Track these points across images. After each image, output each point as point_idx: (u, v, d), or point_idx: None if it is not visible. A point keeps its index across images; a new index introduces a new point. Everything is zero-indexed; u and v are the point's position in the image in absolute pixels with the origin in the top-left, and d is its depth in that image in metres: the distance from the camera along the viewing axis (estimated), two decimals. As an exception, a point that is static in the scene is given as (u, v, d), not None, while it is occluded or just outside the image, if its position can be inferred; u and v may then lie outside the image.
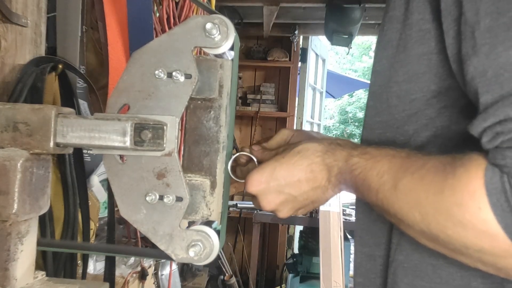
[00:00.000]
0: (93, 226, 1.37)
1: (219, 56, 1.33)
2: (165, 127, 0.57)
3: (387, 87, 0.63)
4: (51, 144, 0.58)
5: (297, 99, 4.12)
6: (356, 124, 15.05)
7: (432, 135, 0.59)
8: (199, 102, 0.61)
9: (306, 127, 4.31)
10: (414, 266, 0.60)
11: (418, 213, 0.50)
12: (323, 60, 4.86)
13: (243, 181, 0.71)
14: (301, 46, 4.06)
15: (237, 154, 0.73)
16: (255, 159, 0.73)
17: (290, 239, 4.17)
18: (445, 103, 0.58)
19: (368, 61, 15.47)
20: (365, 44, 16.08)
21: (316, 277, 2.82)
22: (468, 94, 0.51)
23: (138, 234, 1.89)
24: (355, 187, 0.59)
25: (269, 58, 3.95)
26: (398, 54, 0.61)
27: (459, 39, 0.51)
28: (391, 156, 0.55)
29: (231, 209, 3.36)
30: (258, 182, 0.64)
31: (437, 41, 0.56)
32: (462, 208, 0.46)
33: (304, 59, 4.11)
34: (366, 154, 0.58)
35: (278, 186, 0.64)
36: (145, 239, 1.89)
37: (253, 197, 0.68)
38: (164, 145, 0.58)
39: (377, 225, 0.66)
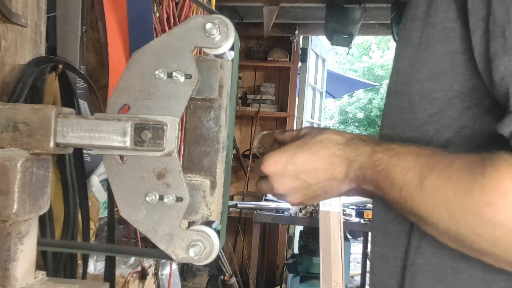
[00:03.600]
0: (93, 226, 1.37)
1: (219, 56, 1.33)
2: (165, 127, 0.57)
3: (409, 86, 0.62)
4: (51, 144, 0.58)
5: (297, 99, 4.12)
6: (356, 124, 15.04)
7: (454, 136, 0.58)
8: (199, 102, 0.61)
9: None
10: (434, 269, 0.60)
11: (446, 212, 0.50)
12: (323, 60, 4.86)
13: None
14: (301, 46, 4.06)
15: (265, 132, 0.73)
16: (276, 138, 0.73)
17: (290, 239, 4.17)
18: (468, 103, 0.57)
19: (368, 61, 15.46)
20: (365, 44, 16.07)
21: (316, 277, 2.82)
22: (496, 94, 0.51)
23: (138, 234, 1.89)
24: (376, 183, 0.58)
25: (269, 58, 3.96)
26: (420, 52, 0.61)
27: (487, 38, 0.50)
28: (416, 154, 0.55)
29: (231, 209, 3.36)
30: (276, 163, 0.64)
31: (461, 40, 0.56)
32: (493, 208, 0.45)
33: (304, 59, 4.11)
34: (390, 151, 0.57)
35: (296, 171, 0.63)
36: (145, 239, 1.90)
37: (262, 180, 0.67)
38: (164, 145, 0.58)
39: (393, 226, 0.66)
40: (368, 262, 3.78)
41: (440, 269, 0.59)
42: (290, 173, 0.64)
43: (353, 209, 3.38)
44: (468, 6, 0.53)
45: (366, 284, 3.91)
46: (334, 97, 10.17)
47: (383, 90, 14.66)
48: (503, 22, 0.48)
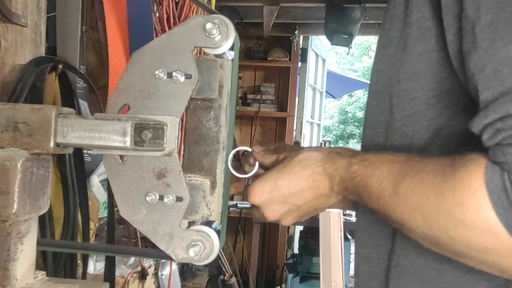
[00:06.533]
0: (93, 226, 1.37)
1: (219, 56, 1.33)
2: (165, 127, 0.57)
3: (388, 86, 0.63)
4: (51, 144, 0.58)
5: (297, 99, 4.12)
6: (356, 124, 15.04)
7: (434, 136, 0.59)
8: (199, 102, 0.61)
9: (306, 127, 4.31)
10: (419, 271, 0.60)
11: (420, 216, 0.50)
12: (323, 60, 4.86)
13: (244, 176, 0.71)
14: (301, 46, 4.05)
15: (237, 149, 0.73)
16: (256, 159, 0.73)
17: (290, 239, 4.17)
18: (446, 103, 0.57)
19: (368, 61, 15.47)
20: (365, 44, 16.07)
21: (316, 277, 2.82)
22: (470, 91, 0.51)
23: (138, 234, 1.89)
24: (357, 195, 0.59)
25: (269, 58, 3.95)
26: (398, 52, 0.61)
27: (460, 35, 0.50)
28: (389, 162, 0.55)
29: (231, 209, 3.36)
30: (261, 192, 0.64)
31: (437, 39, 0.56)
32: (464, 208, 0.46)
33: (304, 59, 4.11)
34: (365, 161, 0.58)
35: (282, 196, 0.63)
36: (145, 239, 1.89)
37: (254, 208, 0.67)
38: (164, 145, 0.58)
39: (377, 228, 0.66)
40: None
41: (425, 271, 0.60)
42: (277, 199, 0.64)
43: (353, 209, 3.37)
44: (442, 4, 0.53)
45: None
46: (334, 97, 10.17)
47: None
48: (473, 19, 0.48)
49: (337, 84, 7.63)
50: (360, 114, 14.78)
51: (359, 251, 0.69)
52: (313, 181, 0.62)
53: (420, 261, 0.60)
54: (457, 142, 0.57)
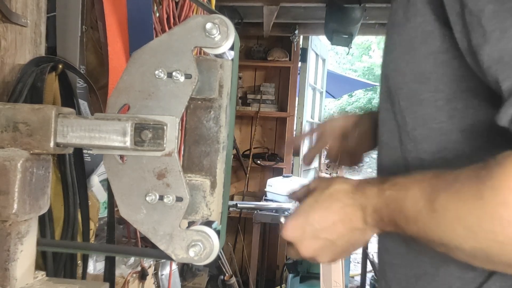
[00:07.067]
0: (93, 226, 1.37)
1: (219, 56, 1.33)
2: (165, 127, 0.57)
3: (397, 89, 0.62)
4: (51, 144, 0.58)
5: (297, 99, 4.12)
6: (356, 124, 15.01)
7: (445, 140, 0.58)
8: (199, 102, 0.61)
9: (306, 127, 4.31)
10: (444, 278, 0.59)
11: (462, 228, 0.47)
12: (323, 60, 4.86)
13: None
14: (301, 46, 4.05)
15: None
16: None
17: (290, 239, 4.17)
18: (455, 104, 0.57)
19: (368, 61, 15.46)
20: (365, 44, 16.06)
21: (316, 277, 2.82)
22: (490, 84, 0.49)
23: (138, 234, 1.89)
24: (394, 223, 0.56)
25: (269, 58, 3.95)
26: (404, 55, 0.61)
27: (467, 31, 0.50)
28: (419, 181, 0.53)
29: (231, 209, 3.36)
30: (293, 229, 0.63)
31: (442, 41, 0.56)
32: (508, 206, 0.43)
33: (304, 59, 4.11)
34: (396, 185, 0.55)
35: (314, 230, 0.62)
36: (145, 239, 1.89)
37: (289, 246, 0.66)
38: (164, 145, 0.57)
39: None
40: (368, 262, 3.78)
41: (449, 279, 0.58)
42: (309, 234, 0.62)
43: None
44: (445, 4, 0.53)
45: (366, 284, 3.91)
46: (334, 97, 10.17)
47: (383, 90, 14.66)
48: (477, 12, 0.48)
49: (337, 84, 7.63)
50: (360, 114, 14.75)
51: (384, 258, 0.68)
52: (344, 214, 0.60)
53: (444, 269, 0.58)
54: (471, 145, 0.56)
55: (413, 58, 0.60)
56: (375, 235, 0.63)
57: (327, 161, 0.84)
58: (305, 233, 0.63)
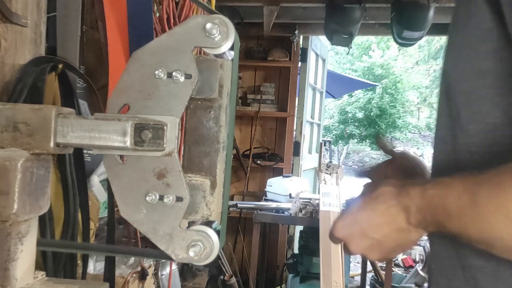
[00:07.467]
0: (93, 226, 1.37)
1: (219, 56, 1.33)
2: (165, 127, 0.57)
3: (455, 85, 0.64)
4: (51, 144, 0.58)
5: (297, 99, 4.12)
6: (356, 124, 15.04)
7: (498, 135, 0.59)
8: (199, 102, 0.61)
9: (306, 127, 4.31)
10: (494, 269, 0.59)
11: (503, 216, 0.48)
12: (323, 60, 4.86)
13: None
14: (301, 46, 4.05)
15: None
16: None
17: (290, 239, 4.17)
18: (510, 100, 0.58)
19: (368, 61, 15.46)
20: (365, 44, 16.07)
21: (316, 277, 2.82)
22: None
23: (138, 234, 1.89)
24: (437, 222, 0.58)
25: (269, 58, 3.95)
26: (463, 53, 0.63)
27: None
28: (462, 178, 0.55)
29: (231, 209, 3.36)
30: (343, 227, 0.68)
31: (499, 38, 0.57)
32: None
33: (304, 59, 4.11)
34: (439, 184, 0.58)
35: (362, 229, 0.66)
36: (145, 239, 1.89)
37: (341, 242, 0.70)
38: (164, 145, 0.58)
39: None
40: (368, 262, 3.78)
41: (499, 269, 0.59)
42: (357, 232, 0.66)
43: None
44: (501, 2, 0.54)
45: (366, 284, 3.91)
46: (334, 97, 10.18)
47: (382, 90, 14.67)
48: None
49: (337, 84, 7.64)
50: (360, 115, 14.78)
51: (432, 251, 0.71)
52: (389, 215, 0.63)
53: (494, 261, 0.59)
54: None
55: (473, 55, 0.61)
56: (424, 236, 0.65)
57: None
58: (354, 232, 0.67)
